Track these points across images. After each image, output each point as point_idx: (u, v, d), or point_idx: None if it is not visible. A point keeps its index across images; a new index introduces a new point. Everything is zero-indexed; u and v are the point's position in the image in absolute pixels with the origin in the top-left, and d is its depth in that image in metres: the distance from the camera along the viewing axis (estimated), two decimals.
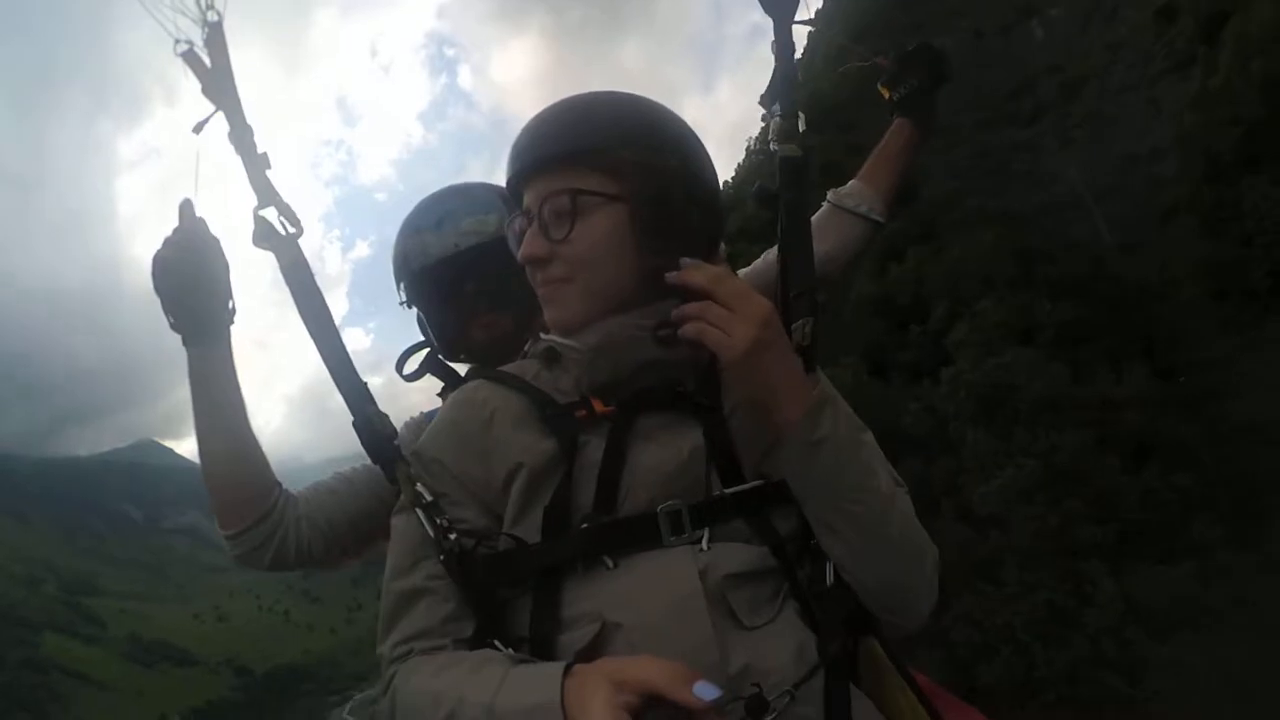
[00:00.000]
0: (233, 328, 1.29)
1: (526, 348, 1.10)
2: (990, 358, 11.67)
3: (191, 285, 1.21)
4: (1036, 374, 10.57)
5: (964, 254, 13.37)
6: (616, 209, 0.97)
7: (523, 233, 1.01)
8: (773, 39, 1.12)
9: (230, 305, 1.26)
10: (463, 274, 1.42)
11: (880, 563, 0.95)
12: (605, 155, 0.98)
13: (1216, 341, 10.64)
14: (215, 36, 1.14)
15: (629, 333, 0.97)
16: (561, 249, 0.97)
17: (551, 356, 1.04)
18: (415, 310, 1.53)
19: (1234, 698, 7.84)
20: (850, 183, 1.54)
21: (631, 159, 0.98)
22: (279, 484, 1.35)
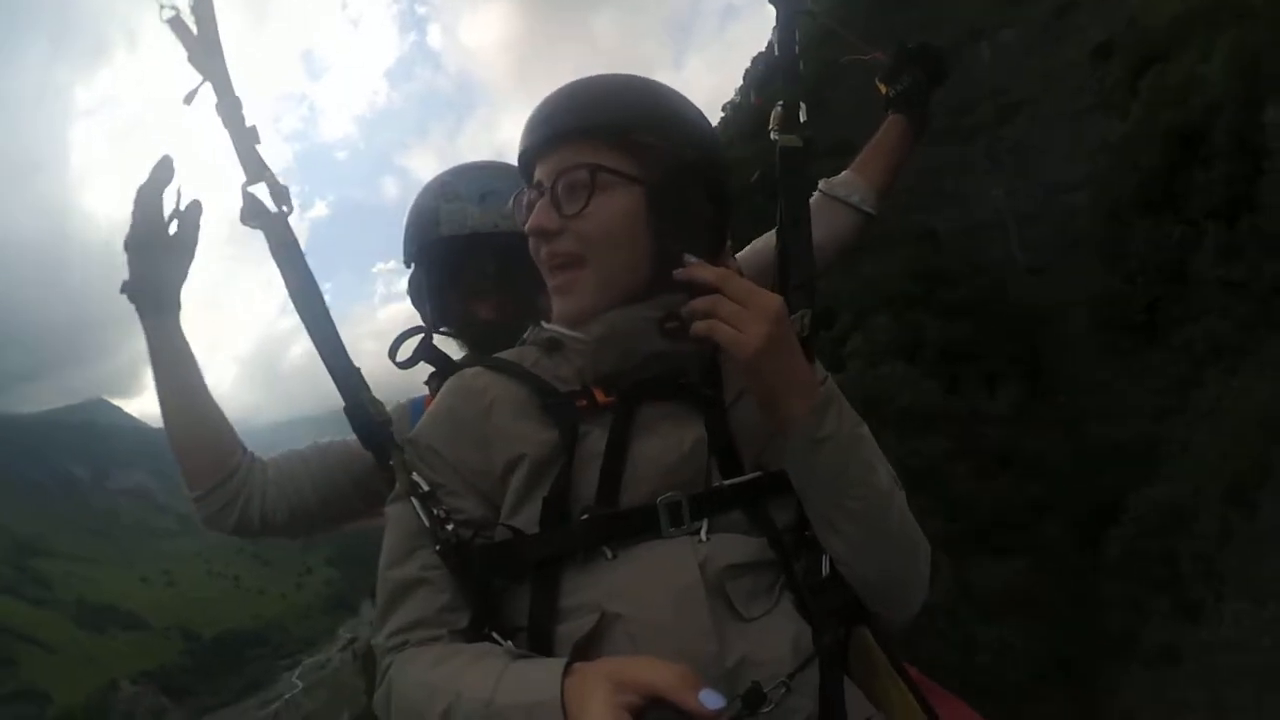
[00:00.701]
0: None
1: (526, 335, 1.08)
2: (872, 370, 12.91)
3: (145, 257, 1.28)
4: (909, 387, 11.87)
5: (874, 270, 14.59)
6: (634, 191, 0.96)
7: (531, 205, 1.00)
8: (774, 26, 1.10)
9: (181, 290, 1.35)
10: (492, 254, 1.41)
11: (879, 558, 0.95)
12: (628, 136, 0.97)
13: (1099, 368, 12.01)
14: (202, 3, 1.09)
15: (635, 325, 0.96)
16: (574, 224, 0.96)
17: (553, 345, 1.03)
18: (412, 273, 1.51)
19: (1057, 679, 9.30)
20: (843, 173, 1.56)
21: (654, 144, 0.97)
22: (244, 448, 1.39)
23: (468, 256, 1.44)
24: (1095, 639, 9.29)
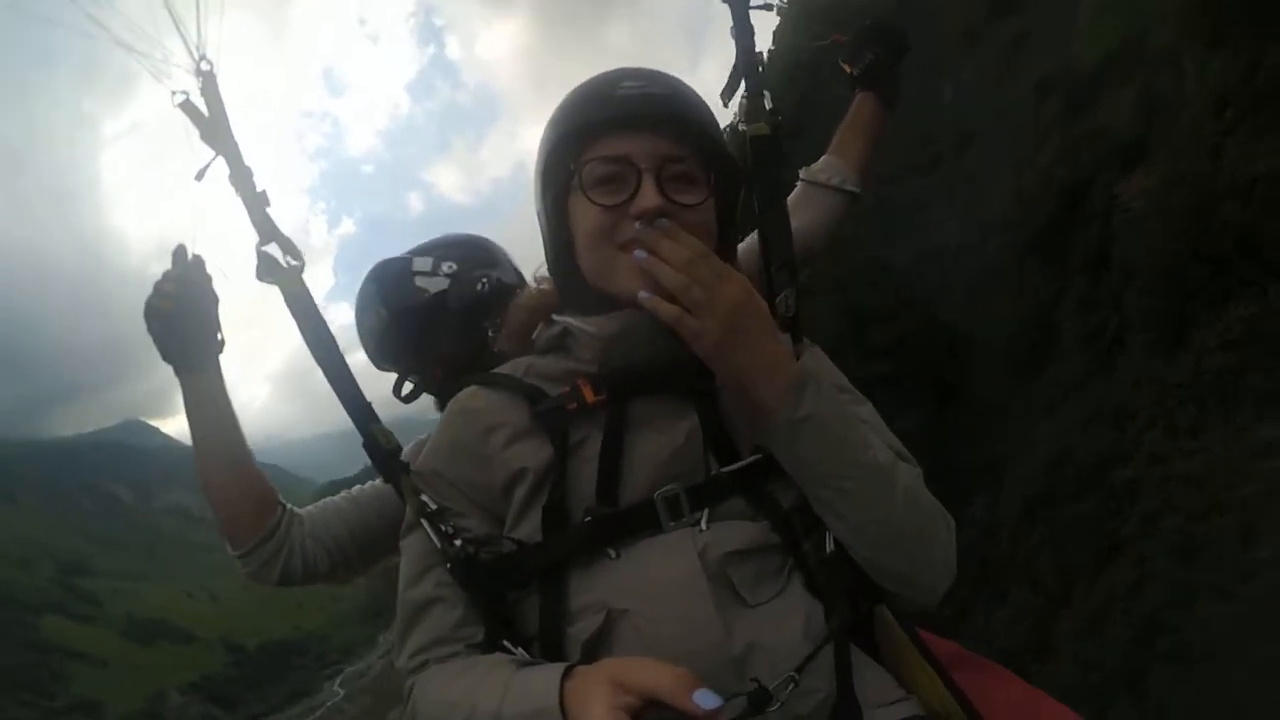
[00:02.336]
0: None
1: (536, 332, 1.12)
2: None
3: (178, 319, 1.31)
4: None
5: (814, 309, 16.38)
6: (712, 198, 1.01)
7: (611, 180, 0.98)
8: (731, 24, 1.14)
9: (219, 337, 1.36)
10: (489, 309, 1.56)
11: (882, 539, 0.94)
12: (721, 145, 1.02)
13: (1014, 398, 13.78)
14: (210, 86, 1.18)
15: (649, 323, 0.97)
16: (681, 214, 0.97)
17: (563, 336, 1.06)
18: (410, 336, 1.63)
19: None
20: (821, 159, 1.60)
21: (728, 162, 1.03)
22: (282, 504, 1.44)
23: (474, 313, 1.56)
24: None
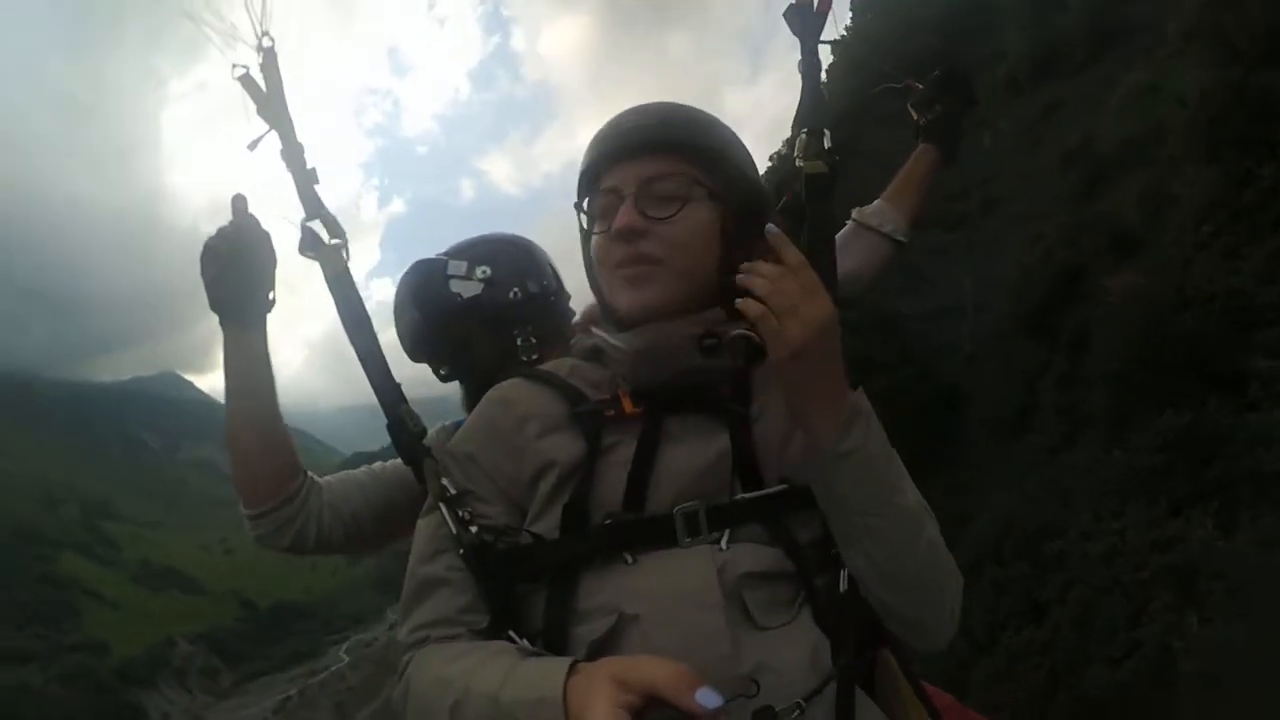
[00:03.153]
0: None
1: (575, 340, 1.15)
2: None
3: (234, 268, 1.30)
4: None
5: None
6: (716, 207, 1.04)
7: (607, 210, 1.05)
8: (799, 58, 1.16)
9: (270, 296, 1.35)
10: (525, 315, 1.59)
11: (901, 581, 0.96)
12: (715, 157, 1.06)
13: (995, 460, 14.09)
14: (269, 62, 1.21)
15: (674, 339, 1.00)
16: (660, 227, 1.01)
17: (594, 352, 1.09)
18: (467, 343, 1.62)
19: None
20: (875, 203, 1.63)
21: (734, 171, 1.06)
22: (305, 471, 1.43)
23: (503, 322, 1.59)
24: None
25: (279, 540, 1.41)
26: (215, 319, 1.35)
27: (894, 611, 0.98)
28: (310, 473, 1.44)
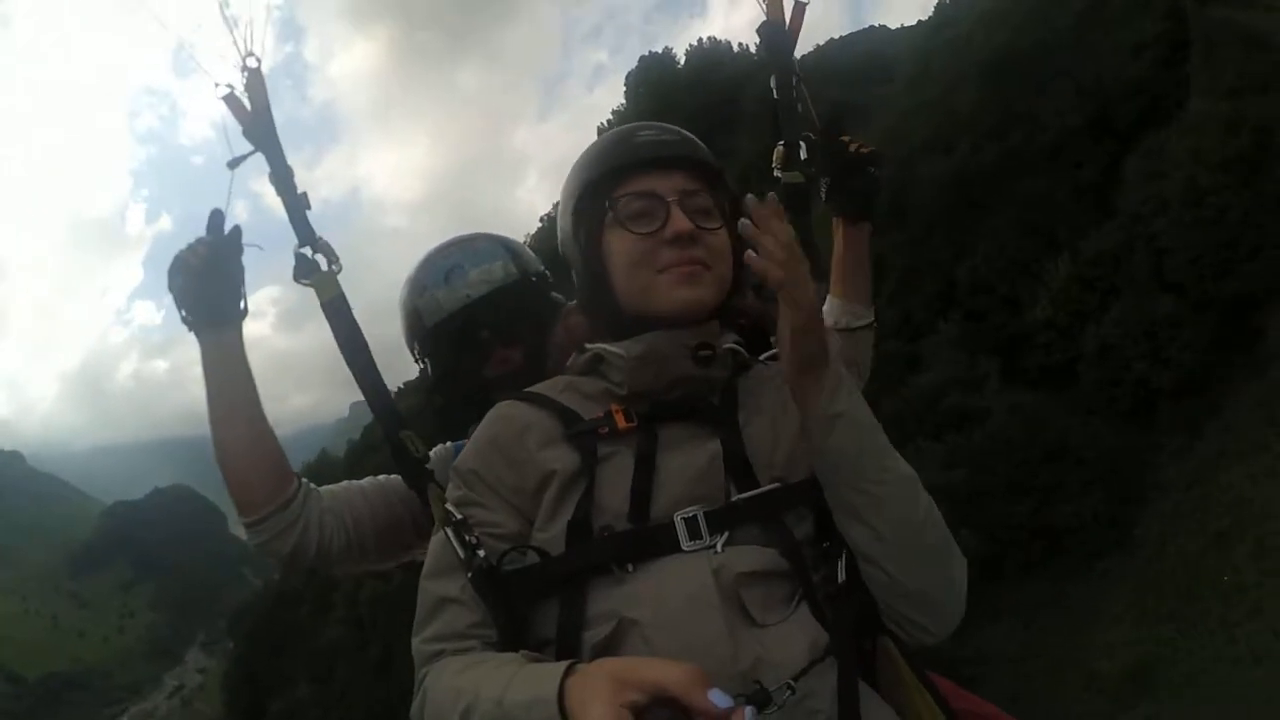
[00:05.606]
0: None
1: (571, 360, 1.15)
2: None
3: (204, 279, 1.28)
4: None
5: None
6: (728, 229, 1.09)
7: (644, 214, 1.07)
8: (772, 76, 1.23)
9: (242, 304, 1.32)
10: (476, 322, 1.50)
11: (907, 550, 0.97)
12: (724, 184, 1.13)
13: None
14: (255, 81, 1.19)
15: (672, 348, 1.04)
16: (707, 237, 1.07)
17: (595, 361, 1.11)
18: (424, 365, 1.60)
19: None
20: (826, 301, 1.55)
21: (732, 196, 1.10)
22: (299, 476, 1.38)
23: (459, 334, 1.50)
24: None
25: (280, 547, 1.34)
26: (203, 375, 1.33)
27: (901, 587, 0.98)
28: (305, 479, 1.40)
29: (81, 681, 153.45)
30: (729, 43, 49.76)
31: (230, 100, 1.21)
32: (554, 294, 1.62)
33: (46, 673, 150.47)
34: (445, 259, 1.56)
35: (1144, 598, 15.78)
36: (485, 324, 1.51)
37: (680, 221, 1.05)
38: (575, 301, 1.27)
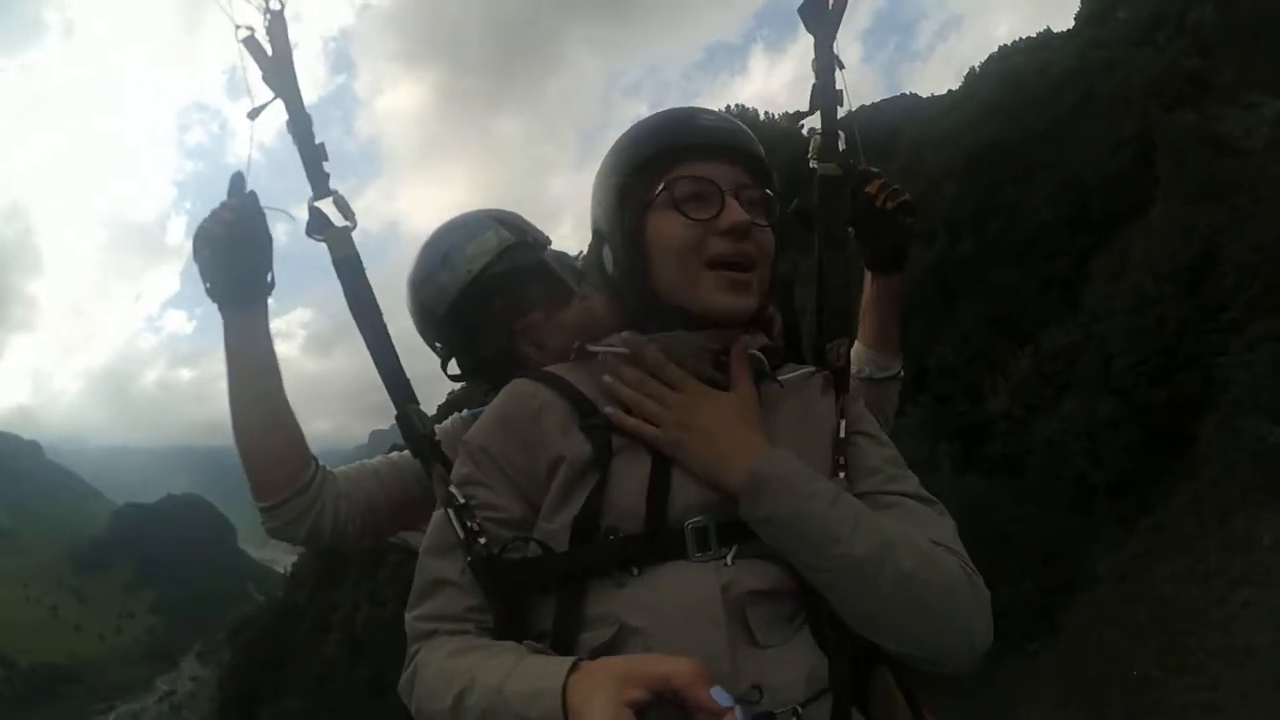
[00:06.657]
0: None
1: (573, 354, 1.09)
2: None
3: (231, 252, 1.25)
4: None
5: None
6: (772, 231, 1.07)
7: (699, 198, 1.02)
8: (813, 57, 1.14)
9: (269, 277, 1.29)
10: (488, 292, 1.46)
11: (865, 625, 0.94)
12: (774, 186, 1.08)
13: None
14: (277, 24, 1.15)
15: (691, 351, 1.02)
16: (759, 233, 1.04)
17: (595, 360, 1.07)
18: (451, 359, 1.55)
19: None
20: (854, 348, 1.48)
21: (779, 197, 1.08)
22: (315, 459, 1.36)
23: (471, 311, 1.47)
24: None
25: (294, 533, 1.33)
26: (225, 354, 1.31)
27: (885, 640, 0.95)
28: (320, 462, 1.38)
29: (74, 675, 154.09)
30: (756, 110, 51.71)
31: (250, 43, 1.16)
32: (565, 256, 1.59)
33: (40, 662, 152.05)
34: (437, 245, 1.52)
35: (1066, 683, 16.50)
36: (496, 293, 1.46)
37: (737, 213, 1.01)
38: (589, 283, 1.20)
